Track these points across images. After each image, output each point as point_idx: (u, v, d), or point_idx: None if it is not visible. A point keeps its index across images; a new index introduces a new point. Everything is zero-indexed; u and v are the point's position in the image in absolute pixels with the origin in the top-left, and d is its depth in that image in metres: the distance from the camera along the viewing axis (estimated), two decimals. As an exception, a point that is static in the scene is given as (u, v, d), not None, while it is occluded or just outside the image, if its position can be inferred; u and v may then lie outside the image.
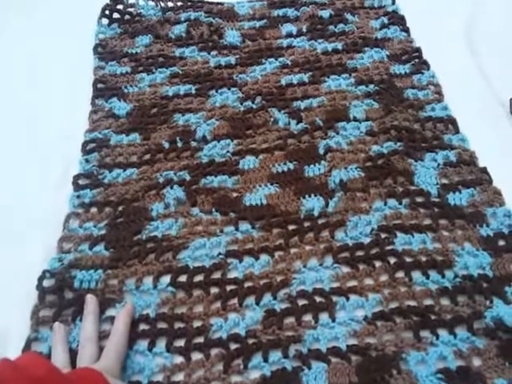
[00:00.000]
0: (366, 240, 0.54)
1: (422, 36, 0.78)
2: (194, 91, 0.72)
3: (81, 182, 0.61)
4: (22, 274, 0.52)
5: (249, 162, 0.63)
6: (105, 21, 0.83)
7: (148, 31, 0.81)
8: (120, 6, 0.84)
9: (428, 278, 0.51)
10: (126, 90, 0.72)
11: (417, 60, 0.74)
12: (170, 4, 0.87)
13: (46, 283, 0.51)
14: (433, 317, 0.48)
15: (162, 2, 0.86)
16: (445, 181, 0.60)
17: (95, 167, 0.62)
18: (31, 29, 0.82)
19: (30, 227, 0.57)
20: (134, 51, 0.78)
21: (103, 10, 0.83)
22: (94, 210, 0.58)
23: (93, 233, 0.56)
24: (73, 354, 0.47)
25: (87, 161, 0.63)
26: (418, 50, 0.76)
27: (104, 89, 0.73)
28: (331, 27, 0.81)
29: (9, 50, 0.79)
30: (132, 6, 0.85)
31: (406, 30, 0.80)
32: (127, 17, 0.84)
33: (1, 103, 0.71)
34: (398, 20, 0.81)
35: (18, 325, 0.49)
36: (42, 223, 0.57)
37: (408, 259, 0.53)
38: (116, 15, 0.84)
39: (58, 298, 0.51)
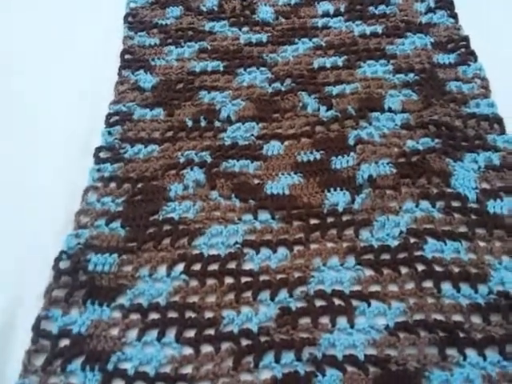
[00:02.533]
0: (393, 243, 0.49)
1: (470, 23, 0.70)
2: (221, 68, 0.67)
3: (102, 154, 0.59)
4: (39, 246, 0.51)
5: (273, 147, 0.58)
6: (136, -11, 0.79)
7: (179, 2, 0.77)
8: (152, -25, 0.79)
9: (459, 291, 0.46)
10: (153, 63, 0.69)
11: (463, 50, 0.67)
12: (204, -25, 0.81)
13: (62, 264, 0.49)
14: (461, 334, 0.43)
15: (195, -28, 0.81)
16: (485, 185, 0.53)
17: (117, 140, 0.60)
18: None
19: (51, 197, 0.55)
20: (163, 22, 0.74)
21: (135, -23, 0.78)
22: (112, 185, 0.56)
23: (110, 208, 0.54)
24: (80, 338, 0.44)
25: (110, 133, 0.61)
26: (466, 38, 0.68)
27: (131, 60, 0.70)
28: (371, 8, 0.74)
29: (38, 17, 0.75)
30: (165, -26, 0.80)
31: (454, 16, 0.72)
32: (159, -14, 0.79)
33: (30, 69, 0.68)
34: (445, 4, 0.73)
35: (32, 291, 0.48)
36: (63, 193, 0.55)
37: (438, 268, 0.47)
38: (148, -17, 0.79)
39: (72, 279, 0.48)
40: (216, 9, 0.76)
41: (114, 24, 0.74)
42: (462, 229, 0.50)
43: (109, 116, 0.63)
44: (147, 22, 0.74)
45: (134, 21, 0.75)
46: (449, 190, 0.53)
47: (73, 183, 0.56)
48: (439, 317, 0.44)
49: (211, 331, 0.45)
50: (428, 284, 0.47)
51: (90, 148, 0.59)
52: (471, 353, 0.42)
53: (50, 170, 0.58)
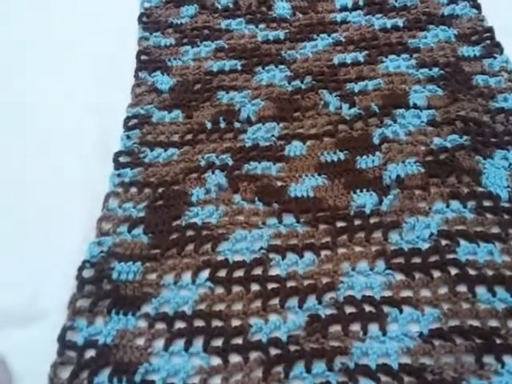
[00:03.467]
0: (424, 245, 0.47)
1: (495, 14, 0.66)
2: (239, 67, 0.65)
3: (122, 159, 0.57)
4: (61, 254, 0.50)
5: (295, 148, 0.56)
6: (150, -12, 0.76)
7: (194, 0, 0.74)
8: (166, -27, 0.77)
9: (494, 295, 0.43)
10: (169, 64, 0.67)
11: (488, 42, 0.64)
12: (218, -28, 0.78)
13: (86, 273, 0.48)
14: (498, 341, 0.41)
15: (209, -31, 0.78)
16: (517, 184, 0.51)
17: (136, 144, 0.58)
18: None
19: (71, 203, 0.54)
20: (178, 22, 0.72)
21: (149, -24, 0.76)
22: (133, 190, 0.55)
23: (132, 214, 0.52)
24: (106, 349, 0.43)
25: (128, 137, 0.59)
26: (490, 29, 0.65)
27: (148, 61, 0.68)
28: (391, 1, 0.71)
29: (52, 19, 0.73)
30: (179, -28, 0.78)
31: (477, 7, 0.68)
32: (173, -16, 0.77)
33: (44, 72, 0.66)
34: (468, -6, 0.70)
35: (55, 301, 0.46)
36: (83, 199, 0.54)
37: (472, 272, 0.45)
38: (162, -18, 0.77)
39: (96, 288, 0.47)
40: (231, 6, 0.73)
41: (129, 25, 0.71)
42: (495, 230, 0.48)
43: (127, 119, 0.61)
44: (162, 22, 0.72)
45: (149, 21, 0.72)
46: (480, 189, 0.51)
47: (93, 189, 0.54)
48: (475, 323, 0.42)
49: (239, 340, 0.43)
50: (462, 288, 0.44)
51: (108, 153, 0.57)
52: (509, 360, 0.40)
53: (69, 176, 0.56)
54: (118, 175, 0.56)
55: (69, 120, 0.62)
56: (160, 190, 0.54)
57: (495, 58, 0.62)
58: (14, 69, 0.68)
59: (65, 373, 0.43)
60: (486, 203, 0.50)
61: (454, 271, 0.45)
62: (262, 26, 0.70)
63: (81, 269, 0.48)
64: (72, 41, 0.70)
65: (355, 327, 0.43)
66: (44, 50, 0.69)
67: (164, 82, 0.65)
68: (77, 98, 0.64)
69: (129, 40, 0.70)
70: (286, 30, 0.69)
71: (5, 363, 0.43)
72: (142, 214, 0.52)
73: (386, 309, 0.44)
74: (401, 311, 0.43)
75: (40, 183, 0.56)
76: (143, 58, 0.68)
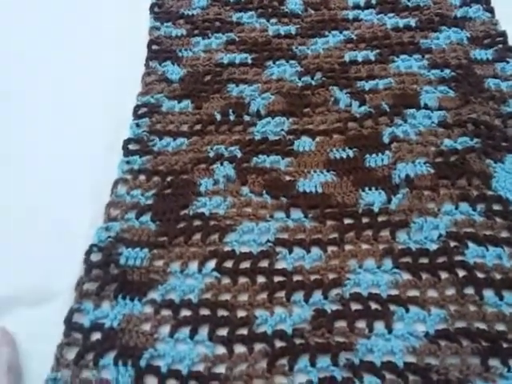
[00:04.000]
0: (432, 246, 0.47)
1: (508, 18, 0.65)
2: (250, 61, 0.64)
3: (131, 147, 0.57)
4: (69, 238, 0.50)
5: (304, 143, 0.56)
6: (162, -22, 0.75)
7: (206, -8, 0.73)
8: (179, -38, 0.76)
9: (502, 299, 0.43)
10: (180, 54, 0.66)
11: (501, 46, 0.63)
12: (231, -37, 0.77)
13: (93, 257, 0.48)
14: (505, 345, 0.41)
15: (221, -40, 0.77)
16: (528, 189, 0.50)
17: (146, 133, 0.58)
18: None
19: (80, 189, 0.53)
20: (190, 13, 0.71)
21: (161, -35, 0.75)
22: (142, 177, 0.54)
23: (140, 201, 0.52)
24: (112, 333, 0.43)
25: (138, 125, 0.59)
26: (504, 34, 0.64)
27: (158, 51, 0.67)
28: (404, 0, 0.70)
29: (63, 9, 0.72)
30: (191, -38, 0.76)
31: (491, 10, 0.67)
32: (185, -26, 0.76)
33: (56, 60, 0.66)
34: (481, -3, 0.69)
35: (63, 284, 0.47)
36: (91, 185, 0.54)
37: (480, 274, 0.45)
38: (174, -28, 0.76)
39: (103, 272, 0.47)
40: (243, -1, 0.72)
41: (140, 14, 0.70)
42: (504, 234, 0.47)
43: (137, 108, 0.60)
44: (173, 13, 0.71)
45: (160, 11, 0.71)
46: (490, 193, 0.50)
47: (102, 176, 0.54)
48: (482, 326, 0.42)
49: (244, 331, 0.43)
50: (470, 291, 0.44)
51: (118, 140, 0.57)
52: (515, 364, 0.40)
53: (78, 162, 0.55)
54: (127, 162, 0.55)
55: (79, 107, 0.61)
56: (169, 179, 0.54)
57: (508, 62, 0.61)
58: (25, 54, 0.66)
59: (71, 354, 0.43)
60: (496, 207, 0.49)
61: (461, 273, 0.45)
62: (273, 20, 0.69)
63: (88, 253, 0.48)
64: (84, 30, 0.69)
65: (361, 324, 0.43)
66: (55, 39, 0.68)
67: (174, 72, 0.64)
68: (87, 85, 0.63)
69: (141, 29, 0.69)
70: (298, 26, 0.68)
71: (14, 342, 0.43)
72: (150, 202, 0.52)
73: (392, 307, 0.43)
74: (407, 310, 0.43)
75: (51, 169, 0.56)
76: (154, 47, 0.67)
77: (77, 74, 0.64)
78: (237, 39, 0.67)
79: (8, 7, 0.72)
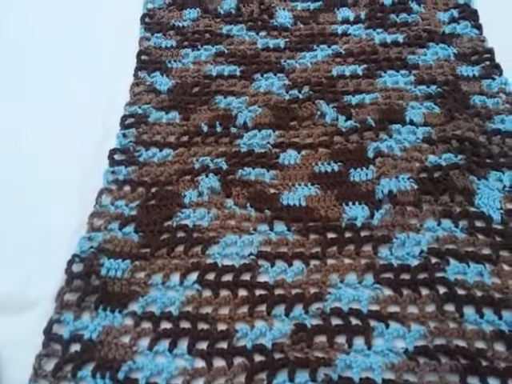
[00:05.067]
0: (414, 262, 0.47)
1: (495, 35, 0.66)
2: (238, 73, 0.65)
3: (116, 157, 0.57)
4: (52, 246, 0.50)
5: (290, 156, 0.56)
6: (155, -11, 0.76)
7: (197, 4, 0.73)
8: (171, -25, 0.76)
9: (482, 316, 0.43)
10: (169, 65, 0.66)
11: (488, 62, 0.63)
12: (222, -24, 0.78)
13: (75, 267, 0.48)
14: (484, 363, 0.40)
15: (213, -27, 0.78)
16: (510, 206, 0.50)
17: (132, 143, 0.58)
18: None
19: (65, 197, 0.53)
20: (180, 24, 0.71)
21: (153, -23, 0.76)
22: (127, 188, 0.54)
23: (124, 212, 0.52)
24: (91, 344, 0.43)
25: (124, 136, 0.59)
26: (491, 51, 0.65)
27: (148, 61, 0.67)
28: (393, 16, 0.70)
29: (53, 17, 0.72)
30: (183, -25, 0.77)
31: (479, 27, 0.68)
32: (177, -13, 0.76)
33: (44, 68, 0.66)
34: (469, 14, 0.69)
35: (43, 292, 0.47)
36: (77, 194, 0.54)
37: (460, 291, 0.44)
38: (166, -16, 0.76)
39: (84, 283, 0.47)
40: (233, 12, 0.72)
41: (131, 25, 0.71)
42: (486, 251, 0.47)
43: (124, 118, 0.60)
44: (164, 24, 0.71)
45: (151, 22, 0.72)
46: (472, 210, 0.50)
47: (87, 185, 0.54)
48: (461, 343, 0.42)
49: (224, 344, 0.43)
50: (450, 308, 0.44)
51: (104, 149, 0.57)
52: (494, 382, 0.39)
53: (64, 170, 0.56)
54: (113, 172, 0.55)
55: (67, 114, 0.61)
56: (153, 190, 0.54)
57: (494, 79, 0.61)
58: (14, 65, 0.67)
59: (49, 365, 0.42)
60: (478, 224, 0.49)
61: (442, 290, 0.45)
62: (262, 33, 0.70)
63: (70, 262, 0.48)
64: (74, 38, 0.69)
65: (340, 339, 0.43)
66: (44, 47, 0.68)
67: (163, 83, 0.64)
68: (76, 93, 0.63)
69: (130, 39, 0.69)
70: (287, 39, 0.69)
71: None
72: (133, 213, 0.52)
73: (372, 323, 0.43)
74: (387, 326, 0.43)
75: (35, 176, 0.56)
76: (143, 57, 0.67)
77: (66, 81, 0.64)
78: (226, 51, 0.67)
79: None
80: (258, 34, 0.70)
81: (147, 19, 0.72)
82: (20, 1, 0.75)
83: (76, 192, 0.54)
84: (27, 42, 0.69)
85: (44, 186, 0.55)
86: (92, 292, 0.46)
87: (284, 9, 0.73)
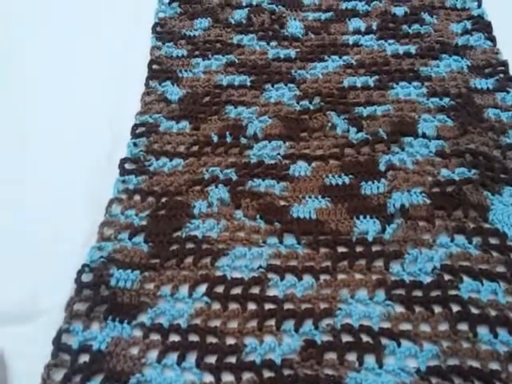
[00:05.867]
0: (426, 279, 0.46)
1: (509, 48, 0.65)
2: (248, 83, 0.64)
3: (127, 166, 0.57)
4: (62, 256, 0.50)
5: (300, 168, 0.55)
6: (166, -1, 0.76)
7: (208, 14, 0.73)
8: (182, -16, 0.77)
9: (496, 336, 0.42)
10: (180, 75, 0.66)
11: (502, 75, 0.62)
12: (233, -14, 0.78)
13: (85, 277, 0.48)
14: (498, 384, 0.40)
15: (224, -17, 0.78)
16: (526, 223, 0.49)
17: (143, 152, 0.58)
18: (92, 2, 0.75)
19: (76, 206, 0.54)
20: (191, 34, 0.71)
21: (165, -14, 0.76)
22: (137, 197, 0.54)
23: (134, 222, 0.52)
24: (100, 356, 0.42)
25: (135, 145, 0.59)
26: (504, 63, 0.64)
27: (159, 71, 0.67)
28: (405, 27, 0.70)
29: (67, 24, 0.73)
30: (194, -16, 0.77)
31: (492, 39, 0.67)
32: (188, -4, 0.76)
33: (55, 77, 0.66)
34: (483, 26, 0.68)
35: (55, 302, 0.47)
36: (88, 203, 0.54)
37: (474, 310, 0.44)
38: (177, -7, 0.77)
39: (94, 293, 0.47)
40: (244, 22, 0.72)
41: (142, 34, 0.71)
42: (500, 269, 0.46)
43: (135, 127, 0.61)
44: (175, 33, 0.71)
45: (162, 31, 0.72)
46: (486, 226, 0.49)
47: (97, 194, 0.54)
48: (475, 363, 0.41)
49: (232, 359, 0.42)
50: (463, 327, 0.43)
51: (115, 158, 0.57)
52: (508, 405, 0.39)
53: (74, 179, 0.56)
54: (123, 181, 0.55)
55: (79, 123, 0.61)
56: (163, 200, 0.54)
57: (508, 92, 0.61)
58: (28, 73, 0.67)
59: (58, 375, 0.42)
60: (493, 241, 0.48)
61: (455, 308, 0.44)
62: (273, 43, 0.70)
63: (80, 272, 0.48)
64: (86, 46, 0.70)
65: (351, 357, 0.42)
66: (56, 55, 0.69)
67: (174, 92, 0.64)
68: (87, 101, 0.63)
69: (142, 48, 0.70)
70: (298, 49, 0.69)
71: (3, 359, 0.43)
72: (143, 223, 0.52)
73: (383, 341, 0.42)
74: (399, 344, 0.42)
75: (46, 184, 0.56)
76: (154, 67, 0.68)
77: (77, 89, 0.65)
78: (236, 61, 0.67)
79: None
80: (268, 44, 0.70)
81: (159, 28, 0.72)
82: (31, 11, 0.75)
83: (87, 201, 0.54)
84: (39, 53, 0.69)
85: (54, 194, 0.55)
86: (101, 302, 0.46)
87: (295, 19, 0.73)
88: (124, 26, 0.72)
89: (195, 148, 0.58)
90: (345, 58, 0.67)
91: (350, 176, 0.54)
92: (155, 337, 0.44)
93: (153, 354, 0.43)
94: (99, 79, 0.65)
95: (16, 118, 0.62)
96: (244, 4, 0.75)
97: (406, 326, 0.43)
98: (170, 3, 0.75)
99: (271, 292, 0.46)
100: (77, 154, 0.58)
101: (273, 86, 0.64)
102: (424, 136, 0.57)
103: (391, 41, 0.68)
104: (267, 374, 0.41)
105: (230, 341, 0.43)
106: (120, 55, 0.69)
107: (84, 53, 0.69)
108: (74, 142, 0.59)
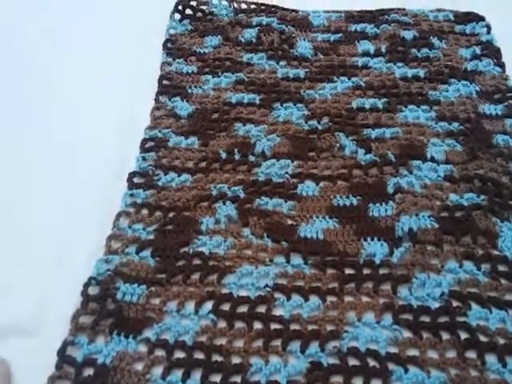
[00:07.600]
0: (434, 304, 0.46)
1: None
2: (257, 101, 0.65)
3: (135, 180, 0.57)
4: (69, 268, 0.50)
5: (308, 187, 0.56)
6: (177, 16, 0.77)
7: (218, 32, 0.75)
8: (193, 3, 0.78)
9: (505, 366, 0.41)
10: (190, 91, 0.67)
11: (511, 101, 0.63)
12: (244, 6, 0.79)
13: (91, 290, 0.48)
14: (506, 415, 0.39)
15: (235, 2, 0.79)
16: (535, 251, 0.49)
17: (151, 167, 0.58)
18: (104, 18, 0.77)
19: (83, 218, 0.54)
20: (202, 51, 0.72)
21: (177, 4, 0.77)
22: (144, 211, 0.55)
23: (141, 236, 0.52)
24: (105, 370, 0.42)
25: (144, 159, 0.59)
26: (514, 90, 0.64)
27: (169, 86, 0.68)
28: (414, 51, 0.70)
29: (78, 38, 0.74)
30: (205, 3, 0.79)
31: (501, 65, 0.67)
32: (199, 14, 0.77)
33: (66, 91, 0.67)
34: (492, 52, 0.69)
35: (61, 314, 0.46)
36: (96, 215, 0.54)
37: (482, 338, 0.43)
38: (188, 11, 0.77)
39: (100, 306, 0.47)
40: (254, 41, 0.73)
41: (153, 50, 0.72)
42: (509, 296, 0.46)
43: (144, 141, 0.61)
44: (185, 50, 0.72)
45: (173, 47, 0.73)
46: (495, 253, 0.49)
47: (106, 207, 0.54)
48: (483, 393, 0.40)
49: (237, 378, 0.42)
50: (471, 355, 0.42)
51: (123, 172, 0.58)
52: None
53: (83, 192, 0.56)
54: (131, 195, 0.56)
55: (87, 137, 0.62)
56: (171, 215, 0.54)
57: (517, 118, 0.61)
58: (38, 87, 0.68)
59: None
60: (501, 268, 0.48)
61: (463, 335, 0.44)
62: (282, 63, 0.71)
63: (86, 285, 0.48)
64: (96, 61, 0.70)
65: (357, 381, 0.42)
66: (67, 69, 0.70)
67: (183, 108, 0.65)
68: (97, 116, 0.64)
69: (152, 64, 0.71)
70: (307, 70, 0.69)
71: (9, 371, 0.43)
72: (150, 237, 0.52)
73: (390, 366, 0.42)
74: (406, 371, 0.42)
75: (54, 196, 0.56)
76: (165, 82, 0.68)
77: (88, 101, 0.65)
78: (246, 79, 0.68)
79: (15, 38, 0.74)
80: (278, 63, 0.70)
81: (169, 45, 0.73)
82: (44, 22, 0.76)
83: (95, 214, 0.54)
84: (49, 64, 0.70)
85: (62, 207, 0.55)
86: (107, 316, 0.46)
87: (304, 39, 0.74)
88: (136, 42, 0.73)
89: (203, 164, 0.59)
90: (354, 79, 0.67)
91: (358, 197, 0.54)
92: (160, 353, 0.44)
93: (157, 371, 0.43)
94: (110, 93, 0.66)
95: (27, 130, 0.63)
96: (254, 23, 0.75)
97: (413, 352, 0.43)
98: (180, 20, 0.76)
99: (277, 312, 0.46)
100: (86, 166, 0.59)
101: (281, 105, 0.65)
102: (433, 160, 0.57)
103: (400, 64, 0.69)
104: None
105: (236, 360, 0.43)
106: (132, 70, 0.69)
107: (96, 68, 0.69)
108: (84, 155, 0.60)
